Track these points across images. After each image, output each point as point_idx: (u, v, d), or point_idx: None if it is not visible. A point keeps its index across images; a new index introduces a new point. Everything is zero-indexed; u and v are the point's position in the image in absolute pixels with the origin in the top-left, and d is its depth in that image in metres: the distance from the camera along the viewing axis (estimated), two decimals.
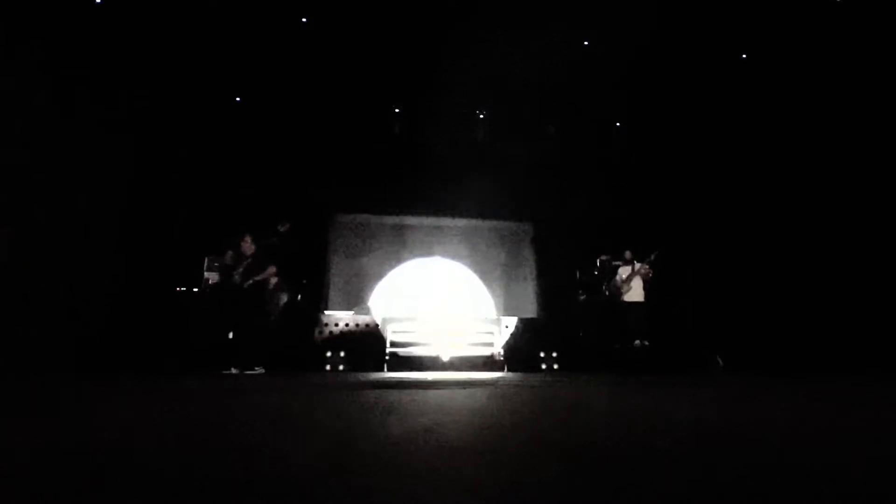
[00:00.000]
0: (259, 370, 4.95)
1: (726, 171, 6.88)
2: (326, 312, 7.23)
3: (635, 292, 6.04)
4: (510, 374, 5.39)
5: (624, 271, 6.15)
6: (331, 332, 6.97)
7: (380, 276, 7.95)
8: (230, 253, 5.37)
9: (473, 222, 8.36)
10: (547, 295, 8.00)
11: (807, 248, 6.09)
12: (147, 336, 5.67)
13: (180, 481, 0.75)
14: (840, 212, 5.88)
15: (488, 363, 6.90)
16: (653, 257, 6.03)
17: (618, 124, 7.71)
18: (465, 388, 2.79)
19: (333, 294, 7.71)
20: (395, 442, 1.08)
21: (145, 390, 2.66)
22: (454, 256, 8.22)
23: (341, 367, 6.44)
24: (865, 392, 2.52)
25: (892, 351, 4.90)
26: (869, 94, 5.66)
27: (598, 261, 6.71)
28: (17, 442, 1.11)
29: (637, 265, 6.10)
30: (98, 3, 5.39)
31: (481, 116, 7.69)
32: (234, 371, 4.78)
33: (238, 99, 6.93)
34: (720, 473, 0.81)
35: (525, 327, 7.37)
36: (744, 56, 6.43)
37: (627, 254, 6.20)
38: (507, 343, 7.22)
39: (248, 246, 5.22)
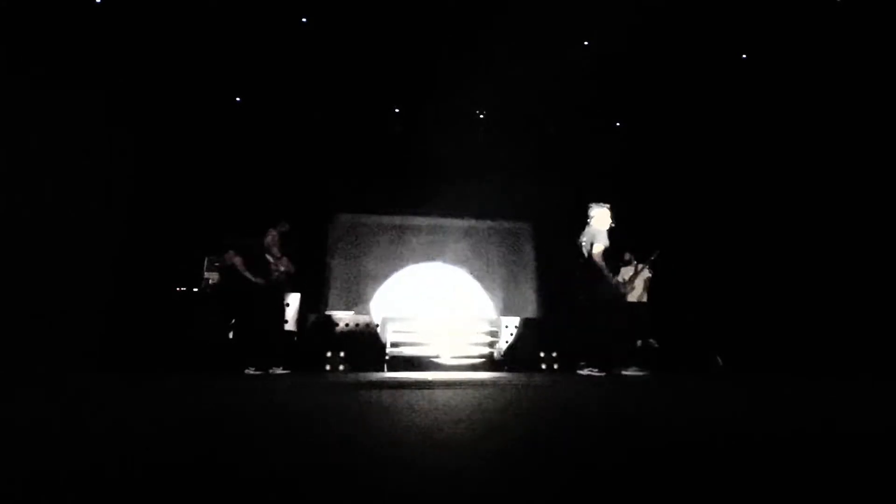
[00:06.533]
0: (279, 370, 4.94)
1: (727, 171, 6.87)
2: (326, 312, 7.23)
3: (638, 293, 6.06)
4: (510, 374, 5.39)
5: (626, 272, 6.15)
6: (331, 332, 6.97)
7: (380, 276, 7.95)
8: (230, 252, 5.37)
9: (473, 222, 8.37)
10: (547, 295, 8.00)
11: (807, 249, 6.09)
12: (148, 336, 5.67)
13: (179, 480, 0.75)
14: (841, 212, 5.88)
15: (488, 363, 6.90)
16: (654, 257, 6.03)
17: (618, 124, 7.71)
18: (465, 388, 2.79)
19: (333, 294, 7.72)
20: (395, 442, 1.08)
21: (146, 390, 2.66)
22: (454, 257, 8.23)
23: (341, 367, 6.44)
24: (848, 392, 2.52)
25: (892, 353, 4.90)
26: (869, 95, 5.65)
27: None
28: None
29: (639, 266, 6.11)
30: (98, 2, 5.39)
31: (481, 116, 7.69)
32: (253, 371, 4.77)
33: (238, 99, 6.94)
34: (718, 476, 0.81)
35: (525, 327, 7.38)
36: (744, 56, 6.42)
37: (627, 255, 6.21)
38: (508, 343, 7.21)
39: (272, 239, 5.20)
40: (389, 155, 7.53)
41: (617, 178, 7.41)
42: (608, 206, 4.95)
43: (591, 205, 4.98)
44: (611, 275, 4.75)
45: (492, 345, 7.03)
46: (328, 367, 6.41)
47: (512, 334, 7.31)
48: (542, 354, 6.86)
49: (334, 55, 6.35)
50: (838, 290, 5.56)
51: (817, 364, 5.24)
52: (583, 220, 4.88)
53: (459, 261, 8.23)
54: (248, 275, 5.01)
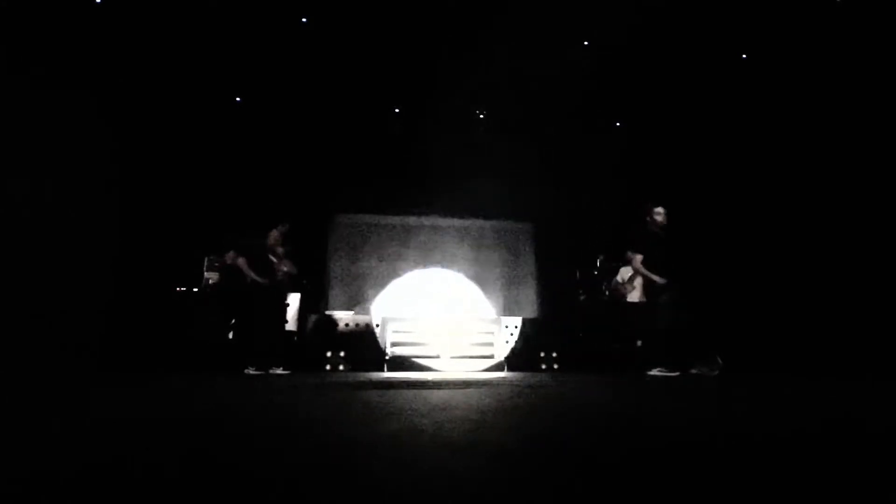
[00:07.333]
0: (279, 370, 4.92)
1: (727, 171, 6.87)
2: (326, 312, 7.23)
3: (638, 293, 6.03)
4: (510, 374, 5.39)
5: (626, 272, 6.13)
6: (331, 332, 6.96)
7: (380, 276, 7.95)
8: (231, 252, 5.38)
9: (473, 222, 8.37)
10: (547, 295, 7.99)
11: (807, 249, 6.09)
12: (148, 336, 5.67)
13: (179, 480, 0.75)
14: (841, 212, 5.88)
15: (488, 363, 6.90)
16: None
17: (618, 124, 7.71)
18: (465, 388, 2.79)
19: (333, 294, 7.71)
20: (395, 442, 1.08)
21: (147, 390, 2.66)
22: (454, 257, 8.23)
23: (341, 367, 6.44)
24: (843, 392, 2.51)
25: (892, 353, 4.89)
26: (869, 95, 5.65)
27: (597, 261, 6.70)
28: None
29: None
30: (98, 2, 5.38)
31: (481, 116, 7.69)
32: (253, 371, 4.75)
33: (238, 99, 6.93)
34: (713, 476, 0.80)
35: (525, 327, 7.37)
36: (744, 56, 6.42)
37: (628, 254, 6.20)
38: (508, 343, 7.21)
39: (275, 238, 5.19)
40: (389, 155, 7.53)
41: (616, 178, 7.41)
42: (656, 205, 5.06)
43: (654, 209, 5.05)
44: (656, 278, 4.93)
45: (492, 344, 7.01)
46: (328, 367, 6.41)
47: (512, 334, 7.30)
48: (542, 354, 6.85)
49: (334, 55, 6.34)
50: (838, 290, 5.55)
51: (817, 364, 5.24)
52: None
53: (459, 261, 8.22)
54: (252, 275, 4.99)
